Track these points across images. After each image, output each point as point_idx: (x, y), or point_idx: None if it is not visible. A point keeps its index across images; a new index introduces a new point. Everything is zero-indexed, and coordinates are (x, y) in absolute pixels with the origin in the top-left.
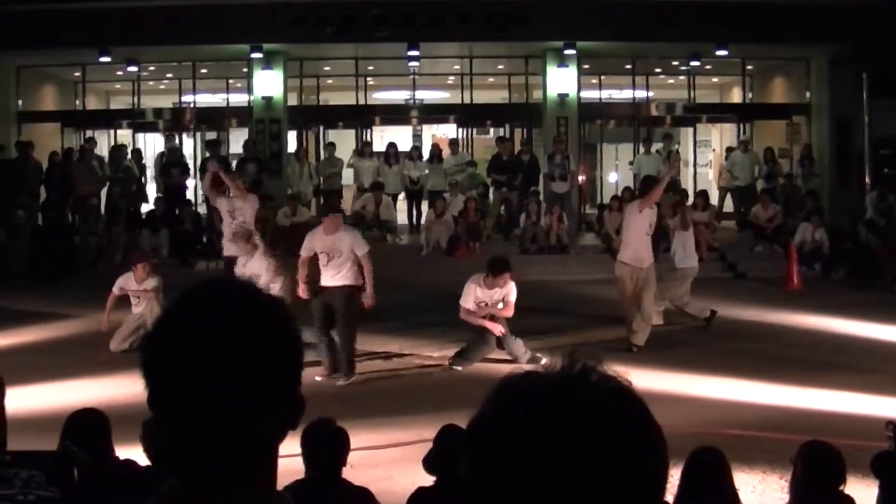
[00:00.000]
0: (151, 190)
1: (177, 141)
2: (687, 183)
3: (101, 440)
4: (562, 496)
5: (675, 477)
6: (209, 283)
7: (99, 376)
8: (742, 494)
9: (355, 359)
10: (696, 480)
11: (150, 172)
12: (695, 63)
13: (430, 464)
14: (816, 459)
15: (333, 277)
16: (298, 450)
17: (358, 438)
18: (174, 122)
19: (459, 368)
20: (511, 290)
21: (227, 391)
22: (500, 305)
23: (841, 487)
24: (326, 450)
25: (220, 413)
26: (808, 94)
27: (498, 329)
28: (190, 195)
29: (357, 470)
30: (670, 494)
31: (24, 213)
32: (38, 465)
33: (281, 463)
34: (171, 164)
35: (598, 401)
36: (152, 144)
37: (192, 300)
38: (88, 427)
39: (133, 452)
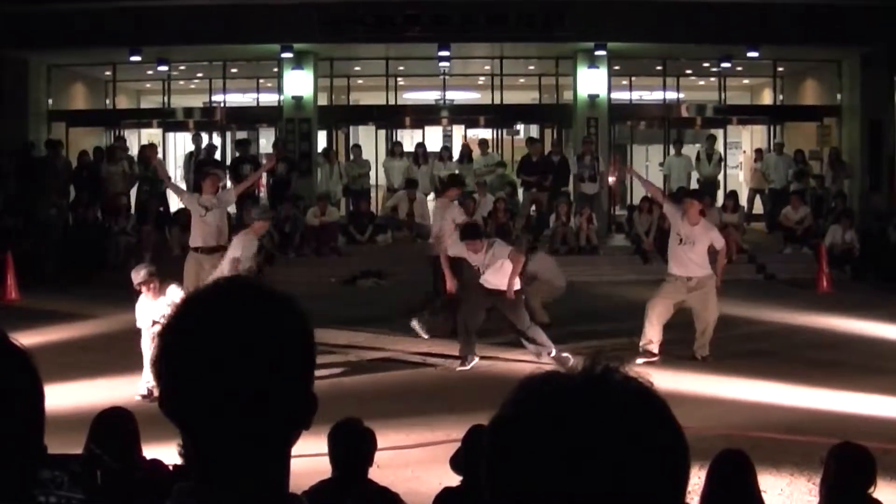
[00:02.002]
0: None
1: (205, 140)
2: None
3: (127, 440)
4: (583, 497)
5: (700, 479)
6: (220, 284)
7: (128, 375)
8: (770, 497)
9: None
10: (721, 482)
11: (179, 172)
12: (725, 64)
13: (457, 464)
14: (849, 461)
15: None
16: (325, 449)
17: (386, 438)
18: (204, 121)
19: (467, 367)
20: (497, 260)
21: (239, 392)
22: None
23: (870, 490)
24: (353, 450)
25: (233, 414)
26: (839, 96)
27: (450, 285)
28: None
29: (384, 470)
30: (696, 495)
31: (56, 211)
32: (61, 466)
33: (308, 462)
34: (206, 162)
35: (620, 402)
36: (182, 144)
37: (204, 301)
38: (115, 427)
39: (161, 452)
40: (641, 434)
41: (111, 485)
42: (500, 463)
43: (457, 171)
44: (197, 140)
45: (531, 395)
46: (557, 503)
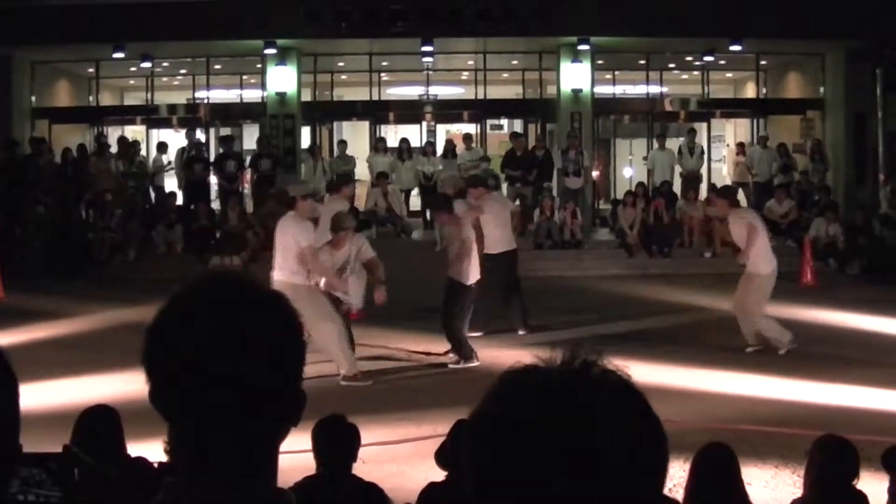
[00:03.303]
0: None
1: (195, 136)
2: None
3: (111, 438)
4: (563, 490)
5: (685, 472)
6: (210, 278)
7: (115, 372)
8: (755, 489)
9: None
10: (706, 476)
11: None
12: (709, 58)
13: (443, 457)
14: (832, 453)
15: None
16: (309, 446)
17: (372, 434)
18: (188, 117)
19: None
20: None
21: (229, 387)
22: None
23: (854, 482)
24: (337, 446)
25: (223, 409)
26: (822, 90)
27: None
28: (208, 190)
29: (370, 465)
30: (681, 489)
31: (44, 209)
32: (38, 464)
33: (293, 459)
34: (195, 159)
35: (599, 395)
36: (167, 140)
37: (194, 295)
38: (99, 425)
39: (145, 449)
40: (621, 426)
41: (89, 482)
42: (480, 457)
43: (440, 167)
44: (190, 136)
45: (511, 389)
46: (538, 496)
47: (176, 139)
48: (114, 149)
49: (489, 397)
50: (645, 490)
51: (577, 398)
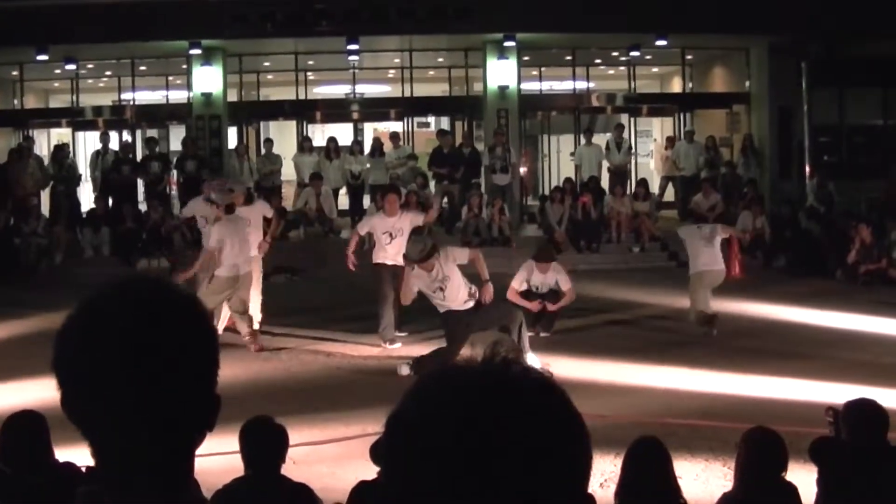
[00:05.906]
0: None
1: (116, 138)
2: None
3: (39, 443)
4: (486, 488)
5: (616, 467)
6: (124, 281)
7: (43, 377)
8: (686, 482)
9: None
10: (638, 470)
11: (87, 171)
12: (635, 53)
13: (377, 454)
14: (760, 445)
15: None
16: (237, 448)
17: (301, 434)
18: (114, 119)
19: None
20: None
21: (143, 391)
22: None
23: (783, 474)
24: (265, 447)
25: (135, 415)
26: (747, 84)
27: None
28: (135, 193)
29: (300, 466)
30: (613, 483)
31: None
32: None
33: (220, 461)
34: (122, 161)
35: (520, 393)
36: (92, 142)
37: (107, 298)
38: (26, 430)
39: (75, 454)
40: (542, 424)
41: (7, 491)
42: (400, 459)
43: (368, 166)
44: (104, 139)
45: (431, 388)
46: (460, 498)
47: (91, 141)
48: (42, 151)
49: (408, 397)
50: (570, 487)
51: (496, 397)
